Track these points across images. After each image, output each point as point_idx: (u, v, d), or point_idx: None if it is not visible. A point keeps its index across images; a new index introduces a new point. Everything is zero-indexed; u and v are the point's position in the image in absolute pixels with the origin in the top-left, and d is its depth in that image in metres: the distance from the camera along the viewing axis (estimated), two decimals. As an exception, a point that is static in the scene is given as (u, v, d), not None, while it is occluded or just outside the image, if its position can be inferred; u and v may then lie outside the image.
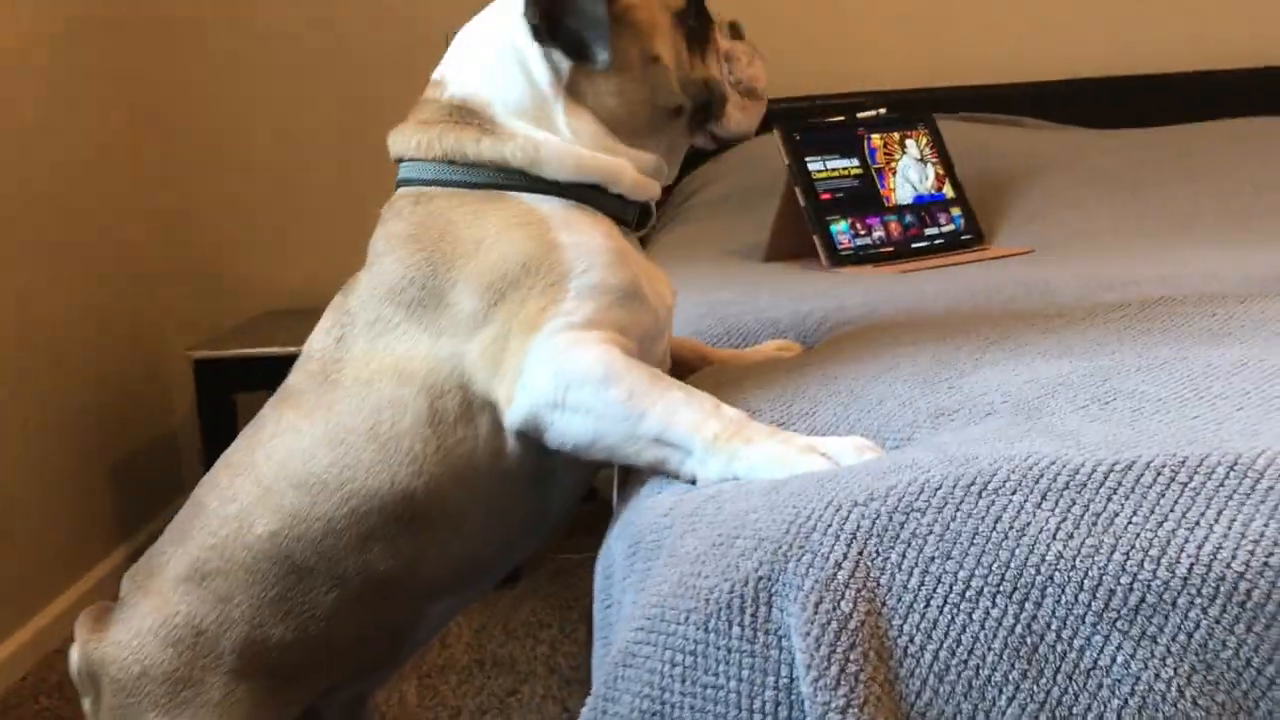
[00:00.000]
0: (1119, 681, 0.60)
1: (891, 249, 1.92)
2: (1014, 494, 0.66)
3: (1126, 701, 0.60)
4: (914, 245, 1.95)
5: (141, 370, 2.85)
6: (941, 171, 2.05)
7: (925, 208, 2.00)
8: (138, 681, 1.06)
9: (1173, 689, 0.60)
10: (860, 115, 2.05)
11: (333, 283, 1.13)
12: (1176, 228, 1.94)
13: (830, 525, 0.67)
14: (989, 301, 1.34)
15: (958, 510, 0.66)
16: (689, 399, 0.90)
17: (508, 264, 0.96)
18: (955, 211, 2.02)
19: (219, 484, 1.07)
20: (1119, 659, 0.61)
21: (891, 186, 1.99)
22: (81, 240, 2.59)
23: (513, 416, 0.94)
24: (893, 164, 2.01)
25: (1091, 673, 0.61)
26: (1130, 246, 1.80)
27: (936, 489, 0.67)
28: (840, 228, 1.90)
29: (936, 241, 1.97)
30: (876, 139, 2.01)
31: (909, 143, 2.04)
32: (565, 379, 0.91)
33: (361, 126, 2.85)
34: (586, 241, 0.98)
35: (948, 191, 2.04)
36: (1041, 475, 0.67)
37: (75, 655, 1.10)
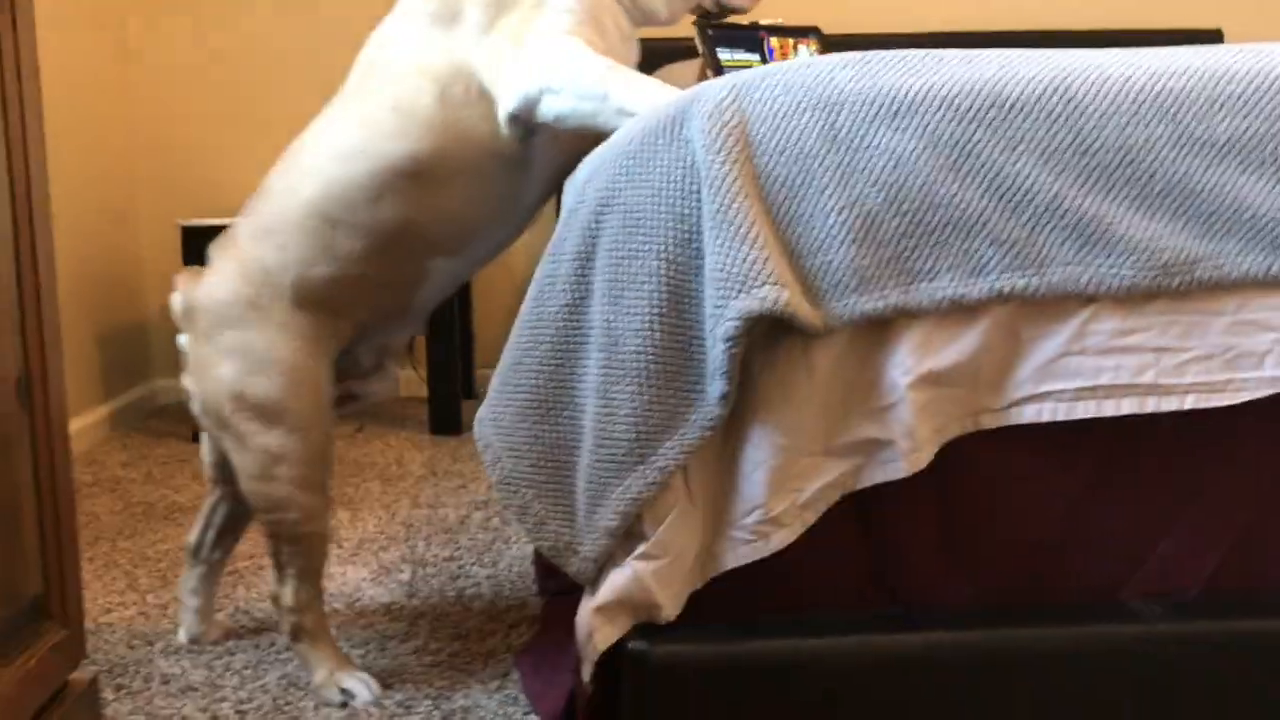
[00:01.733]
0: (884, 153, 1.03)
1: (784, 126, 2.36)
2: (830, 66, 1.09)
3: (884, 164, 1.03)
4: (803, 126, 2.39)
5: (131, 244, 3.21)
6: (827, 73, 2.51)
7: (813, 98, 2.45)
8: (221, 306, 1.43)
9: (912, 156, 1.03)
10: (763, 22, 2.50)
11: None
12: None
13: (719, 85, 1.09)
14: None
15: (796, 74, 1.08)
16: (639, 79, 1.30)
17: None
18: (837, 104, 2.47)
19: (279, 169, 1.46)
20: (884, 141, 1.03)
21: (786, 80, 2.44)
22: (79, 147, 2.94)
23: (508, 104, 1.34)
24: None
25: (867, 149, 1.03)
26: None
27: (784, 66, 1.10)
28: (743, 105, 2.34)
29: (821, 125, 2.42)
30: (774, 41, 2.46)
31: (801, 48, 2.49)
32: (548, 71, 1.31)
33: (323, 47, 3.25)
34: None
35: (832, 88, 2.49)
36: (851, 57, 1.10)
37: (178, 299, 1.48)
